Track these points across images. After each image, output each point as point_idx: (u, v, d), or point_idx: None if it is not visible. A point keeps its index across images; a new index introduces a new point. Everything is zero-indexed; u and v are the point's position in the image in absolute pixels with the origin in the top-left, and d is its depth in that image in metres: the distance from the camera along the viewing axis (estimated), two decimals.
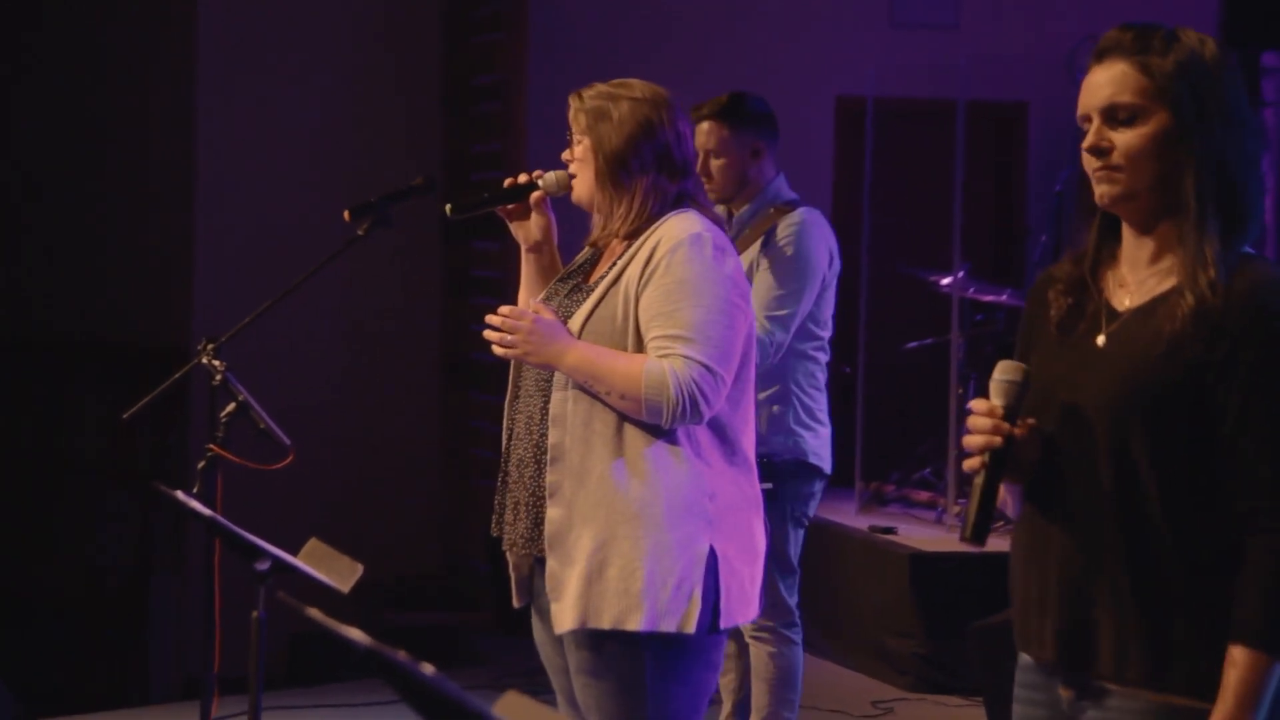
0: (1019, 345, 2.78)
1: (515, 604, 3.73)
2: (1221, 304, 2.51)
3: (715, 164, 4.99)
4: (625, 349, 3.48)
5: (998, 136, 9.69)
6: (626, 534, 3.43)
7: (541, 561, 3.58)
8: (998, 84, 9.29)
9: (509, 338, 3.47)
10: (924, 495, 8.18)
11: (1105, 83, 2.59)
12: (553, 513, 3.49)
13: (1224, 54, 2.60)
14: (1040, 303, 2.74)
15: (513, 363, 3.66)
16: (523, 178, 3.75)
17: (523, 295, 3.82)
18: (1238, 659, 2.48)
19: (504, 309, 3.50)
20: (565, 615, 3.47)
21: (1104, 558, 2.58)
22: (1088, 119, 2.61)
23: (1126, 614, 2.56)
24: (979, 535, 2.63)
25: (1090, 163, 2.61)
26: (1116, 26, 2.63)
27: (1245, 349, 2.50)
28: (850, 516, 7.96)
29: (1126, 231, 2.65)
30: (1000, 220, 9.70)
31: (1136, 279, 2.63)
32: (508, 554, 3.68)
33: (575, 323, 3.52)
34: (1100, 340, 2.63)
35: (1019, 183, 9.68)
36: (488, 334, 3.51)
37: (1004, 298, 8.05)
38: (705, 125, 4.97)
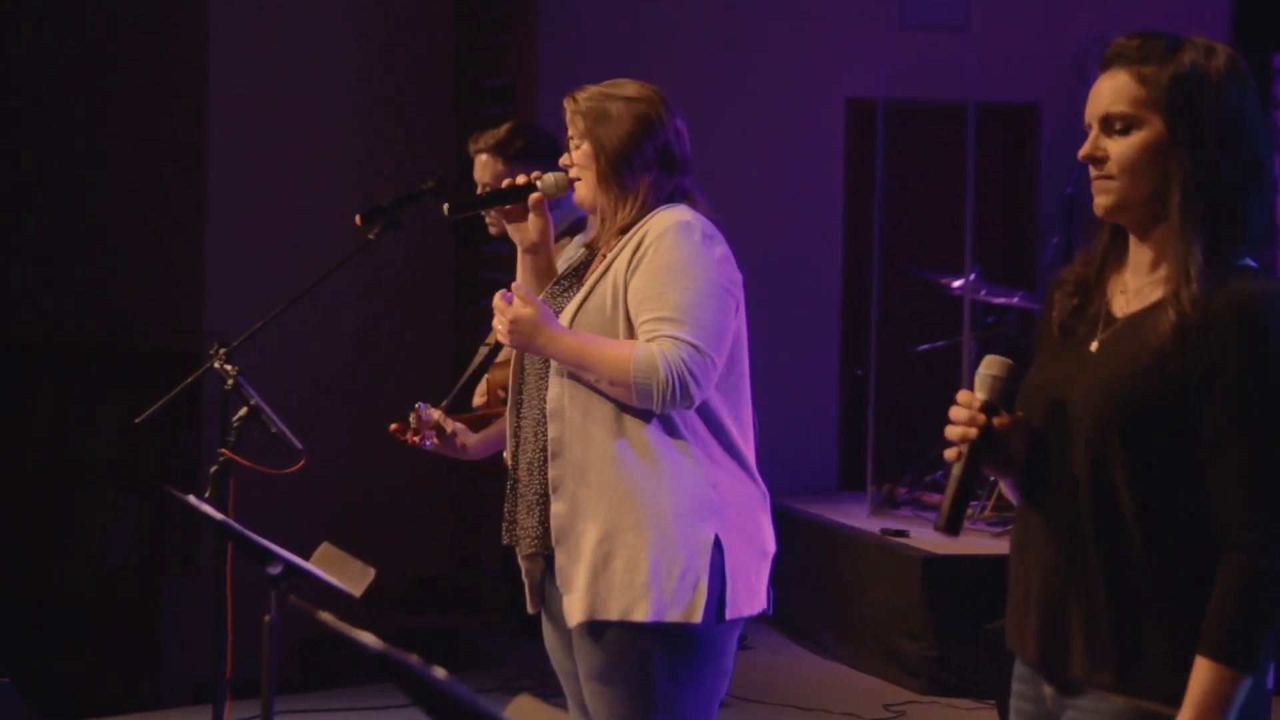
0: (1037, 344, 2.79)
1: (530, 610, 3.72)
2: (1202, 319, 2.51)
3: None
4: (617, 337, 3.49)
5: (1008, 138, 9.68)
6: (630, 525, 3.44)
7: (551, 563, 3.58)
8: (1008, 85, 9.28)
9: (500, 325, 3.48)
10: (936, 498, 8.16)
11: (1105, 92, 2.61)
12: (557, 507, 3.50)
13: (1232, 64, 2.60)
14: (1049, 303, 2.75)
15: (512, 371, 3.68)
16: (521, 179, 3.76)
17: None
18: (1201, 670, 2.49)
19: (496, 297, 3.51)
20: (575, 608, 3.48)
21: (1080, 562, 2.60)
22: (1090, 127, 2.63)
23: (1099, 618, 2.58)
24: (952, 525, 2.68)
25: (1091, 171, 2.62)
26: (1125, 35, 2.64)
27: (1225, 365, 2.50)
28: (862, 519, 7.95)
29: (1131, 238, 2.66)
30: (1011, 222, 9.69)
31: (1136, 285, 2.65)
32: (520, 560, 3.68)
33: (565, 316, 3.53)
34: (1094, 345, 2.64)
35: (1030, 184, 9.67)
36: (494, 322, 3.52)
37: (1015, 300, 8.04)
38: (480, 159, 4.86)
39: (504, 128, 4.83)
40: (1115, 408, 2.55)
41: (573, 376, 3.48)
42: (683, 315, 3.42)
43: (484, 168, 4.82)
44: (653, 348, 3.39)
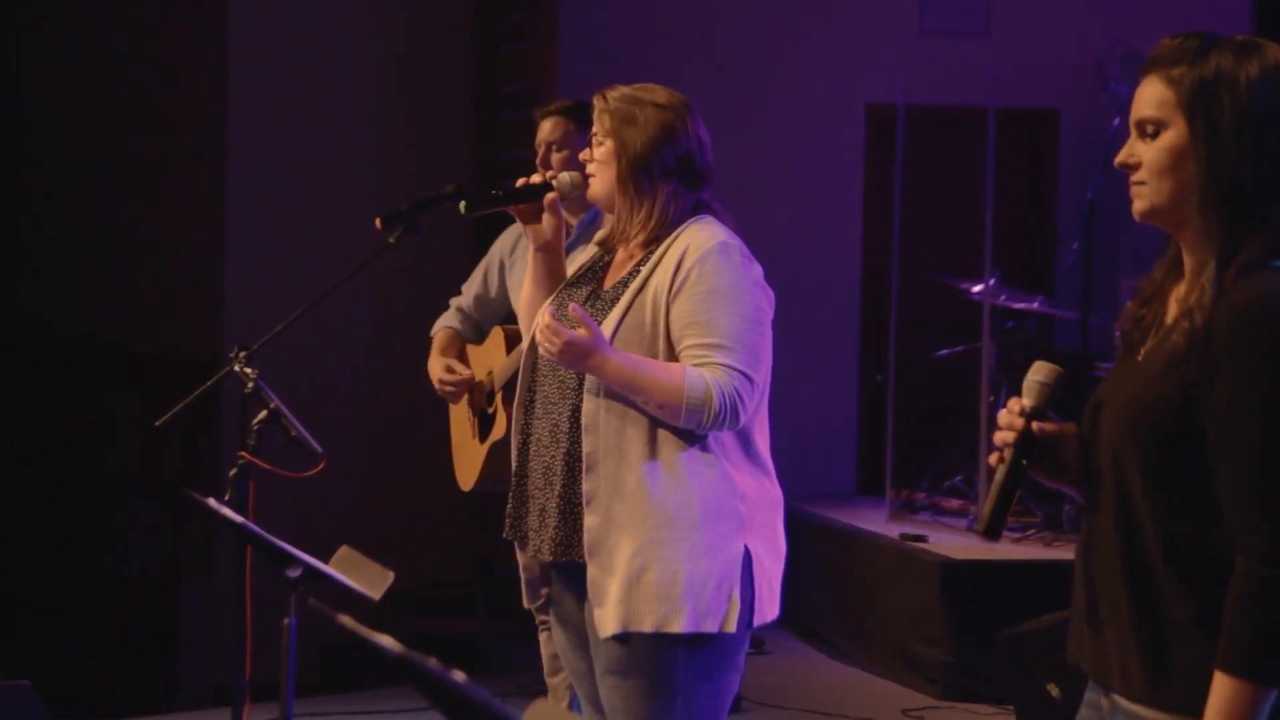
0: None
1: (525, 604, 3.80)
2: (1210, 321, 2.48)
3: (555, 157, 4.89)
4: (655, 357, 3.51)
5: (1028, 143, 9.67)
6: (665, 538, 3.47)
7: (556, 565, 3.64)
8: (1028, 91, 9.27)
9: (551, 346, 3.48)
10: (955, 503, 8.16)
11: (1141, 97, 2.60)
12: (590, 520, 3.52)
13: (1269, 65, 2.55)
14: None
15: (522, 367, 3.70)
16: (537, 178, 3.80)
17: (527, 292, 3.84)
18: (1219, 685, 2.43)
19: (545, 322, 3.50)
20: (608, 620, 3.51)
21: (1111, 573, 2.58)
22: (1130, 134, 2.62)
23: (1127, 629, 2.56)
24: (992, 530, 2.66)
25: (1130, 177, 2.62)
26: (1167, 37, 2.61)
27: (1227, 367, 2.46)
28: (881, 524, 7.95)
29: (1181, 245, 2.64)
30: (1031, 227, 9.68)
31: (1183, 293, 2.61)
32: (520, 556, 3.75)
33: (604, 332, 3.54)
34: (1141, 355, 2.63)
35: (1049, 190, 9.65)
36: (538, 339, 3.52)
37: (1035, 305, 8.03)
38: (551, 119, 4.91)
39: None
40: (1131, 415, 2.55)
41: (609, 394, 3.50)
42: (732, 342, 3.47)
43: (555, 127, 4.87)
44: (705, 375, 3.44)
